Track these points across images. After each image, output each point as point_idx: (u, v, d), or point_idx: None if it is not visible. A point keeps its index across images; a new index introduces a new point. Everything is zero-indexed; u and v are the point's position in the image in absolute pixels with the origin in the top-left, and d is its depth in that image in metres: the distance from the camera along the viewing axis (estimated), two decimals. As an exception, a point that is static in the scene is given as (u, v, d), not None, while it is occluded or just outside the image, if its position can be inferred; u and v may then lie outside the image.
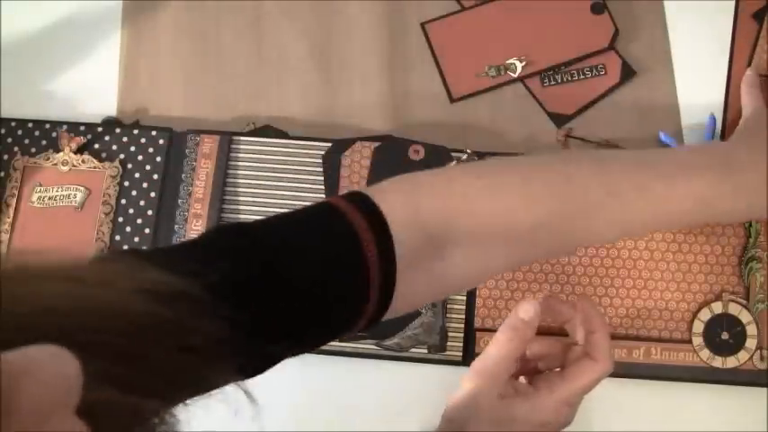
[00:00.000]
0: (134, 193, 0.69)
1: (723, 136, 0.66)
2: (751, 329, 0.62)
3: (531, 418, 0.50)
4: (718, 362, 0.62)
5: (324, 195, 0.67)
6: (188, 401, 0.33)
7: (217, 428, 0.35)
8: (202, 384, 0.34)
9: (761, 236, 0.63)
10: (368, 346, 0.64)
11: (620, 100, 0.68)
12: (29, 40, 0.75)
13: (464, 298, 0.65)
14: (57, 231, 0.68)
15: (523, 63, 0.69)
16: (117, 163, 0.70)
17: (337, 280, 0.43)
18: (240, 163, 0.69)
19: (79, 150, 0.70)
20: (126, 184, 0.69)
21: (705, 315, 0.62)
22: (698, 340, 0.62)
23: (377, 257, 0.43)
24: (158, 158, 0.70)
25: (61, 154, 0.70)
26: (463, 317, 0.64)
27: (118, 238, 0.69)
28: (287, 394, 0.63)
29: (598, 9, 0.69)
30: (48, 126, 0.71)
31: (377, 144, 0.68)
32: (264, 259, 0.41)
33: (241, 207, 0.68)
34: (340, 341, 0.64)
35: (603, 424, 0.62)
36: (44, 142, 0.71)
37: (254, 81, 0.73)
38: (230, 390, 0.34)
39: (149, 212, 0.69)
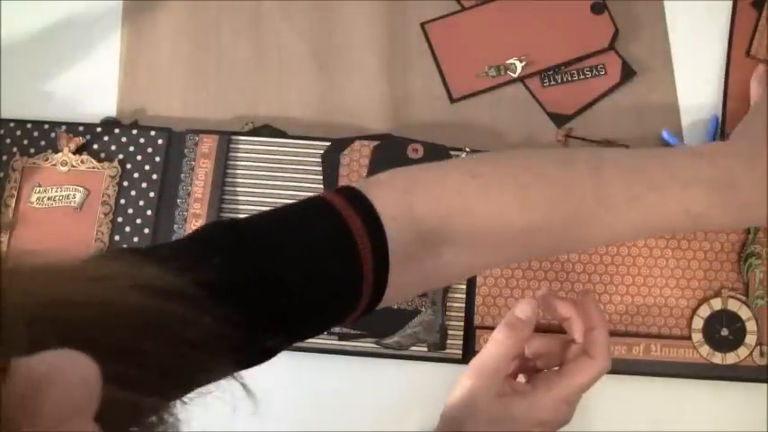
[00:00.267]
0: (133, 193, 0.69)
1: (722, 132, 0.66)
2: (750, 325, 0.62)
3: (529, 417, 0.50)
4: (717, 358, 0.62)
5: (323, 195, 0.67)
6: (185, 398, 0.33)
7: (217, 428, 0.35)
8: (201, 379, 0.34)
9: (760, 232, 0.63)
10: (368, 344, 0.64)
11: (620, 100, 0.68)
12: (29, 40, 0.75)
13: (464, 296, 0.65)
14: (56, 232, 0.68)
15: (523, 63, 0.69)
16: (116, 163, 0.70)
17: (332, 276, 0.43)
18: (239, 162, 0.69)
19: (78, 151, 0.70)
20: (125, 184, 0.69)
21: (705, 311, 0.62)
22: (697, 336, 0.62)
23: (370, 254, 0.43)
24: (157, 158, 0.70)
25: (60, 154, 0.70)
26: (463, 315, 0.64)
27: (117, 238, 0.69)
28: (287, 393, 0.63)
29: (598, 9, 0.69)
30: (47, 126, 0.71)
31: (376, 143, 0.68)
32: (259, 255, 0.41)
33: (240, 207, 0.68)
34: (340, 340, 0.64)
35: (603, 421, 0.62)
36: (43, 143, 0.71)
37: (254, 81, 0.73)
38: (228, 386, 0.34)
39: (148, 212, 0.69)
